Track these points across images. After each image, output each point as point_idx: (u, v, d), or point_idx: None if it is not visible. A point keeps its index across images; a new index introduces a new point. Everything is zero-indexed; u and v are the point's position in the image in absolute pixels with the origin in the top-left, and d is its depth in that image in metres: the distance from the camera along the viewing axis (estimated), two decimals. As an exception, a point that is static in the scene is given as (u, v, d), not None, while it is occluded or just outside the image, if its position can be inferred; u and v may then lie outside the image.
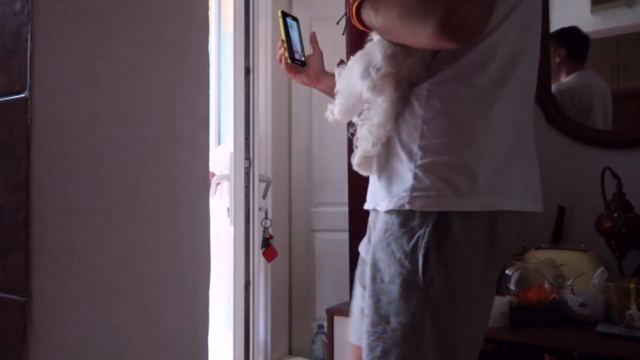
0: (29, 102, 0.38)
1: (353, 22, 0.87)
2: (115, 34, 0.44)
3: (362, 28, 0.87)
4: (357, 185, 1.94)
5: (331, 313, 1.81)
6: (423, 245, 0.76)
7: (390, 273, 0.79)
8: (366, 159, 0.85)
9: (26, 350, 0.37)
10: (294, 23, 1.19)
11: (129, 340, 0.44)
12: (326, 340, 1.88)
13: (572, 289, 1.26)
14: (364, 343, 0.81)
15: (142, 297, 0.45)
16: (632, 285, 1.20)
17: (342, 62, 0.99)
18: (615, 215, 1.34)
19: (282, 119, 2.81)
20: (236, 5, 2.27)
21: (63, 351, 0.40)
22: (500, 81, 0.78)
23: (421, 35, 0.75)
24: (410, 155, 0.80)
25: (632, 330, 1.16)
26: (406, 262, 0.77)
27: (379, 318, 0.79)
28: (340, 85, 0.93)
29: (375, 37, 0.87)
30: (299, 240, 2.77)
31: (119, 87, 0.44)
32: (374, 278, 0.81)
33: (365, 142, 0.85)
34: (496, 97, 0.78)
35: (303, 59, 1.16)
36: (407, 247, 0.77)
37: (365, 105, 0.89)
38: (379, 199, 0.84)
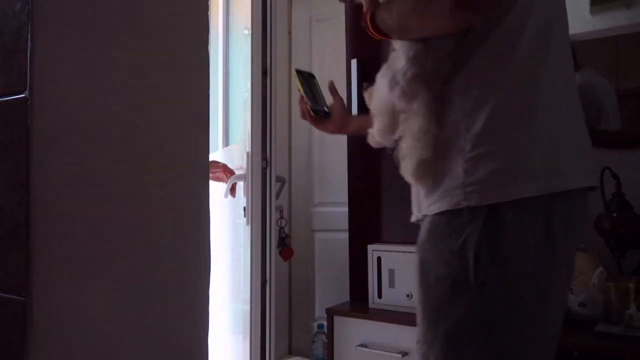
0: (29, 102, 0.38)
1: (370, 34, 0.84)
2: (115, 35, 0.44)
3: (380, 37, 0.84)
4: (357, 185, 1.94)
5: (331, 313, 1.81)
6: (473, 243, 0.70)
7: (438, 275, 0.74)
8: (420, 168, 0.79)
9: (26, 350, 0.38)
10: (311, 77, 1.20)
11: (129, 340, 0.44)
12: (326, 340, 1.88)
13: (571, 289, 1.26)
14: (417, 352, 0.76)
15: (142, 297, 0.45)
16: (631, 285, 1.20)
17: (368, 86, 0.97)
18: (615, 215, 1.34)
19: (282, 119, 2.81)
20: (254, 6, 2.27)
21: (63, 351, 0.40)
22: (537, 54, 0.74)
23: (440, 17, 0.72)
24: (458, 151, 0.75)
25: (632, 330, 1.17)
26: (455, 263, 0.72)
27: (428, 324, 0.75)
28: (373, 107, 0.89)
29: (396, 46, 0.84)
30: (299, 240, 2.77)
31: (119, 87, 0.44)
32: (420, 282, 0.77)
33: (414, 151, 0.80)
34: (535, 72, 0.73)
35: (326, 109, 1.17)
36: (456, 247, 0.72)
37: (402, 118, 0.84)
38: (428, 203, 0.79)
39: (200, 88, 0.51)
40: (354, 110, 1.99)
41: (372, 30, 0.84)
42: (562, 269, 0.74)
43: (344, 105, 1.18)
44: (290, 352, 2.74)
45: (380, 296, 1.81)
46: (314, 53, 2.82)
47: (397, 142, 0.87)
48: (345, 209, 1.99)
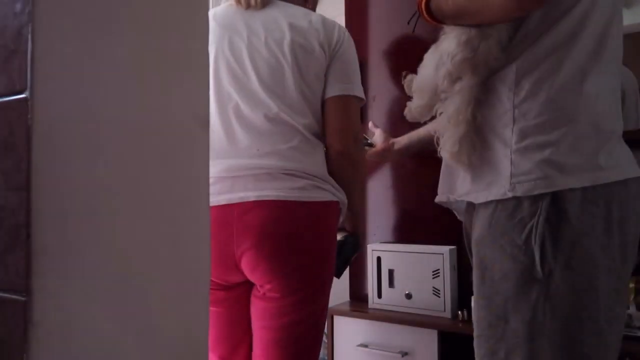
0: (29, 103, 0.39)
1: (424, 18, 0.86)
2: (115, 34, 0.44)
3: (433, 23, 0.86)
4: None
5: (331, 313, 1.82)
6: (537, 235, 0.71)
7: (503, 270, 0.74)
8: (457, 146, 0.81)
9: (27, 351, 0.38)
10: None
11: (129, 340, 0.44)
12: (326, 340, 1.88)
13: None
14: (477, 349, 0.76)
15: (143, 297, 0.45)
16: (631, 285, 1.20)
17: (407, 74, 0.99)
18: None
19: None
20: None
21: (64, 351, 0.40)
22: (593, 55, 0.74)
23: (500, 3, 0.72)
24: (504, 141, 0.76)
25: (631, 330, 1.17)
26: (520, 256, 0.72)
27: (496, 319, 0.74)
28: (416, 83, 0.91)
29: (447, 30, 0.86)
30: (298, 240, 2.77)
31: (120, 87, 0.44)
32: (482, 278, 0.77)
33: (449, 130, 0.82)
34: (589, 71, 0.74)
35: (369, 141, 1.23)
36: (520, 240, 0.72)
37: (442, 97, 0.86)
38: (470, 190, 0.81)
39: (201, 88, 0.51)
40: (354, 110, 1.99)
41: (426, 16, 0.84)
42: (625, 265, 0.75)
43: (386, 135, 1.23)
44: (290, 352, 2.74)
45: (380, 296, 1.81)
46: (314, 53, 2.82)
47: (432, 118, 0.90)
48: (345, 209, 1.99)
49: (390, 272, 1.76)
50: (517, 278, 0.73)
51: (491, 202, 0.77)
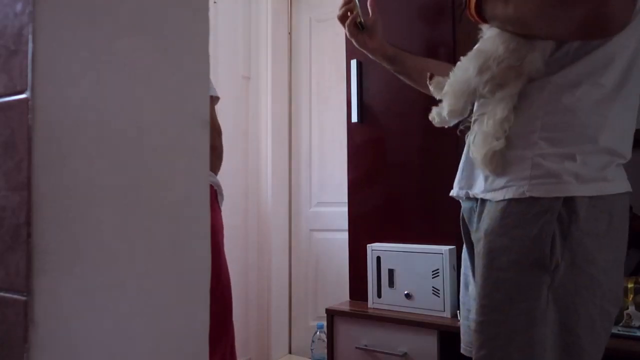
0: (30, 103, 0.39)
1: (469, 14, 0.86)
2: (116, 35, 0.44)
3: (477, 20, 0.87)
4: (357, 185, 1.94)
5: (331, 313, 1.82)
6: (549, 231, 0.76)
7: (511, 259, 0.79)
8: (493, 156, 0.84)
9: (27, 350, 0.38)
10: None
11: (129, 340, 0.44)
12: (326, 340, 1.88)
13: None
14: (479, 333, 0.80)
15: (143, 297, 0.45)
16: (630, 285, 1.20)
17: (432, 76, 0.99)
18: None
19: (282, 119, 2.81)
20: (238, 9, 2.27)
21: (64, 351, 0.40)
22: (622, 82, 0.80)
23: (566, 25, 0.76)
24: (528, 145, 0.81)
25: (630, 330, 1.17)
26: (532, 248, 0.77)
27: (499, 304, 0.79)
28: (450, 85, 0.91)
29: (488, 32, 0.87)
30: (298, 240, 2.77)
31: (120, 87, 0.44)
32: (489, 267, 0.81)
33: (490, 138, 0.84)
34: (616, 97, 0.80)
35: (362, 21, 1.13)
36: (532, 233, 0.77)
37: (481, 102, 0.88)
38: (489, 188, 0.85)
39: (201, 88, 0.51)
40: (354, 111, 1.99)
41: (473, 12, 0.85)
42: (619, 270, 0.82)
43: (381, 25, 1.16)
44: (290, 352, 2.74)
45: (379, 296, 1.82)
46: (314, 53, 2.82)
47: (461, 122, 0.92)
48: (345, 209, 1.99)
49: (390, 272, 1.76)
50: (526, 267, 0.78)
51: (504, 200, 0.82)
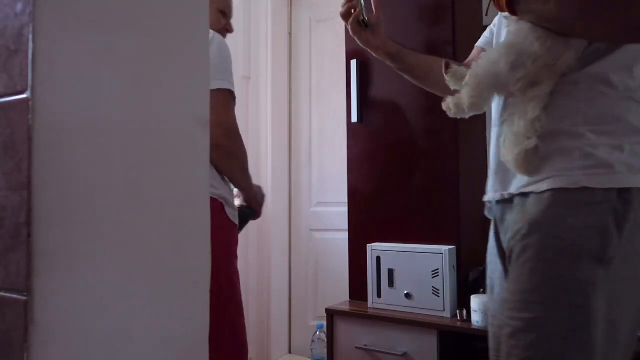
0: (30, 103, 0.39)
1: (496, 3, 0.84)
2: (116, 35, 0.44)
3: (509, 12, 0.84)
4: (356, 185, 1.94)
5: (331, 313, 1.82)
6: (606, 222, 0.75)
7: (558, 250, 0.77)
8: (526, 156, 0.82)
9: (28, 350, 0.38)
10: None
11: (130, 340, 0.44)
12: (326, 340, 1.88)
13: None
14: (525, 333, 0.77)
15: (143, 297, 0.45)
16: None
17: (448, 65, 0.95)
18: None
19: (282, 119, 2.81)
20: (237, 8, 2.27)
21: (65, 350, 0.40)
22: None
23: (619, 25, 0.75)
24: (575, 137, 0.80)
25: (631, 330, 1.16)
26: (588, 238, 0.75)
27: (544, 295, 0.76)
28: (473, 76, 0.88)
29: (517, 25, 0.84)
30: (298, 240, 2.77)
31: (120, 87, 0.44)
32: (536, 258, 0.78)
33: (521, 138, 0.82)
34: None
35: (365, 18, 1.12)
36: (588, 224, 0.76)
37: (511, 101, 0.86)
38: (529, 182, 0.82)
39: (201, 88, 0.51)
40: (354, 111, 1.99)
41: (503, 3, 0.83)
42: None
43: (383, 24, 1.14)
44: (290, 352, 2.74)
45: (379, 296, 1.81)
46: (314, 53, 2.82)
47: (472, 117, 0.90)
48: (345, 209, 1.99)
49: (390, 272, 1.76)
50: (581, 259, 0.75)
51: (551, 190, 0.80)
